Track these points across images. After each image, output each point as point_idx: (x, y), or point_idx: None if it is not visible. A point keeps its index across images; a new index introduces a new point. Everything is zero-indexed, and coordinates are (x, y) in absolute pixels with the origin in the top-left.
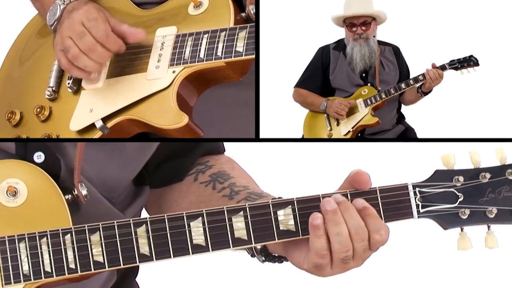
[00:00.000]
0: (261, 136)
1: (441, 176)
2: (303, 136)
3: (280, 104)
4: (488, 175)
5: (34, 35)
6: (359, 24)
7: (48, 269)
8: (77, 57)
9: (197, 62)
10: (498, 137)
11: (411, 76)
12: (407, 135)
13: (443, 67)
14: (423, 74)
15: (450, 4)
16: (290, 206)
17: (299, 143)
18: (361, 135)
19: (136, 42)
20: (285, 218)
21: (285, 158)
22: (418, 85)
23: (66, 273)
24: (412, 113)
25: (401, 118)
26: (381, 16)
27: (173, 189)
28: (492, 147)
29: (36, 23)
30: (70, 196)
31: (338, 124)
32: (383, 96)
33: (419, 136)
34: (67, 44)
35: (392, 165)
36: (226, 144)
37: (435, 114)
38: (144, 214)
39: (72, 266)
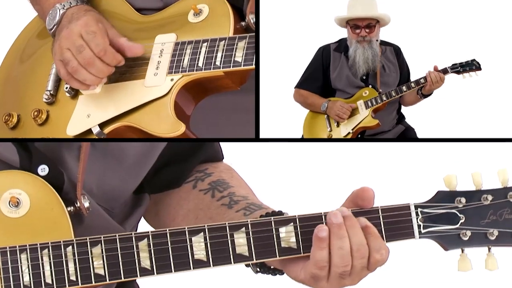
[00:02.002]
0: (261, 136)
1: (443, 197)
2: (303, 136)
3: (280, 105)
4: (490, 197)
5: (35, 36)
6: (364, 26)
7: (49, 280)
8: (77, 71)
9: (196, 70)
10: (498, 137)
11: (411, 77)
12: (407, 135)
13: (445, 71)
14: (424, 77)
15: (453, 7)
16: (292, 223)
17: (299, 144)
18: (361, 135)
19: (133, 56)
20: (287, 235)
21: (285, 158)
22: (419, 87)
23: (67, 285)
24: (413, 115)
25: (401, 118)
26: (385, 19)
27: (171, 196)
28: (493, 147)
29: (37, 24)
30: (72, 208)
31: (338, 125)
32: (384, 98)
33: (419, 136)
34: (67, 57)
35: (392, 166)
36: (226, 144)
37: (436, 116)
38: (143, 223)
39: (73, 278)
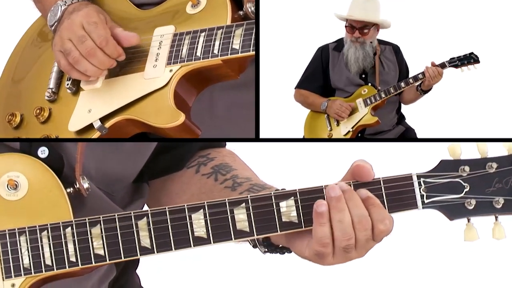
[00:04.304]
0: (261, 136)
1: (446, 166)
2: (303, 136)
3: (280, 104)
4: (495, 165)
5: (36, 37)
6: (358, 28)
7: (48, 262)
8: (78, 61)
9: (194, 60)
10: (499, 138)
11: (410, 75)
12: (407, 136)
13: (442, 65)
14: (422, 73)
15: (451, 5)
16: (292, 197)
17: (299, 143)
18: (361, 135)
19: (129, 46)
20: (288, 210)
21: (285, 158)
22: (417, 83)
23: (67, 266)
24: (412, 113)
25: (401, 118)
26: (383, 25)
27: (174, 181)
28: (493, 147)
29: (39, 26)
30: (71, 189)
31: (338, 124)
32: (383, 95)
33: (419, 136)
34: (68, 47)
35: (392, 165)
36: (226, 144)
37: (436, 113)
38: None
39: (72, 259)
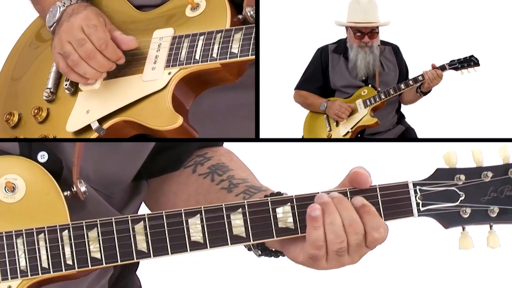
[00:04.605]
0: (261, 136)
1: (442, 174)
2: (303, 136)
3: (280, 105)
4: (490, 174)
5: (35, 37)
6: (367, 33)
7: (45, 265)
8: (77, 64)
9: (193, 63)
10: (498, 137)
11: (410, 75)
12: (407, 135)
13: (443, 68)
14: (422, 75)
15: (451, 5)
16: (289, 203)
17: (299, 143)
18: (360, 135)
19: (127, 50)
20: (284, 216)
21: (285, 158)
22: (417, 85)
23: (63, 269)
24: (412, 113)
25: (401, 118)
26: (385, 25)
27: (171, 181)
28: (493, 147)
29: (37, 26)
30: (69, 192)
31: (337, 125)
32: (383, 96)
33: (419, 136)
34: (67, 50)
35: (392, 165)
36: (226, 144)
37: (436, 114)
38: (143, 208)
39: (69, 262)
